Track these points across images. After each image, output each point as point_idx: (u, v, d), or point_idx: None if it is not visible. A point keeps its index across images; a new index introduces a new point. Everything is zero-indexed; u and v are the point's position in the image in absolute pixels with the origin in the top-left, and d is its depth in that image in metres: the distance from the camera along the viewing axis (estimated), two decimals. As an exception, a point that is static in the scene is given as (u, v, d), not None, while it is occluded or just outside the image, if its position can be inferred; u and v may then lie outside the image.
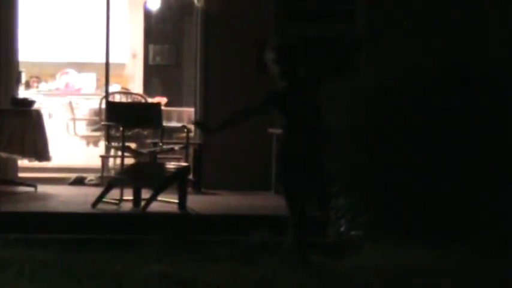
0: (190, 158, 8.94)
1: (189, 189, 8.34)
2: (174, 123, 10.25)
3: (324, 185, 6.55)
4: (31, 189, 8.90)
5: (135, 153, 8.95)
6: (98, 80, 12.00)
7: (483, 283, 5.62)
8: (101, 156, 9.60)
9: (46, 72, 12.20)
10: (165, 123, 9.14)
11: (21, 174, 9.60)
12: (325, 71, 6.30)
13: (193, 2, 9.92)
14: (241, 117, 6.36)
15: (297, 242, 6.15)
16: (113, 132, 9.18)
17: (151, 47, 12.91)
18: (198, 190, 9.21)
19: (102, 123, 9.34)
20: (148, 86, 12.47)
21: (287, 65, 6.17)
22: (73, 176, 9.85)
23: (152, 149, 8.87)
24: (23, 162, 9.44)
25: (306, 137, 6.13)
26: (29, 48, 11.52)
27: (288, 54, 6.22)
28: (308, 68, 6.36)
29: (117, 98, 10.52)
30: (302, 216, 6.18)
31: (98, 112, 10.31)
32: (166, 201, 7.86)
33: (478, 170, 6.87)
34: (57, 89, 12.07)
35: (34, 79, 12.00)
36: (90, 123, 10.84)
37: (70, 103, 11.14)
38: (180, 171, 8.02)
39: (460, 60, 7.19)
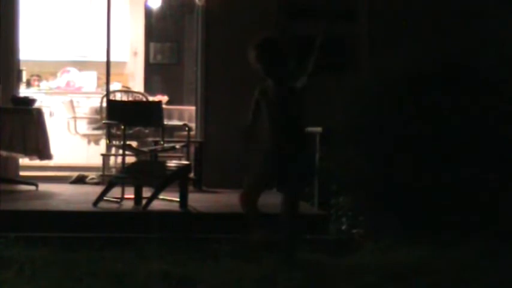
0: (191, 156, 8.94)
1: (190, 188, 8.34)
2: (175, 122, 10.28)
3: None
4: (32, 187, 8.90)
5: (136, 151, 8.95)
6: (98, 78, 12.03)
7: (483, 282, 5.63)
8: (102, 155, 9.60)
9: (47, 70, 12.22)
10: (166, 122, 9.13)
11: (22, 173, 9.62)
12: (304, 71, 6.10)
13: (194, 0, 9.93)
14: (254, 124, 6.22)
15: (287, 240, 6.12)
16: (113, 130, 9.18)
17: (152, 45, 12.93)
18: (199, 188, 9.22)
19: (103, 121, 9.34)
20: (149, 84, 12.49)
21: (268, 63, 6.05)
22: (74, 174, 9.86)
23: (153, 148, 8.86)
24: (24, 161, 9.46)
25: (286, 137, 6.02)
26: (30, 46, 11.54)
27: (269, 51, 6.08)
28: (292, 67, 6.24)
29: (118, 97, 10.51)
30: (292, 214, 6.15)
31: (98, 110, 10.32)
32: (168, 200, 7.87)
33: (478, 170, 6.89)
34: (58, 87, 12.10)
35: (35, 77, 12.03)
36: (91, 121, 10.86)
37: (71, 101, 11.17)
38: (181, 169, 8.01)
39: (459, 60, 7.21)
